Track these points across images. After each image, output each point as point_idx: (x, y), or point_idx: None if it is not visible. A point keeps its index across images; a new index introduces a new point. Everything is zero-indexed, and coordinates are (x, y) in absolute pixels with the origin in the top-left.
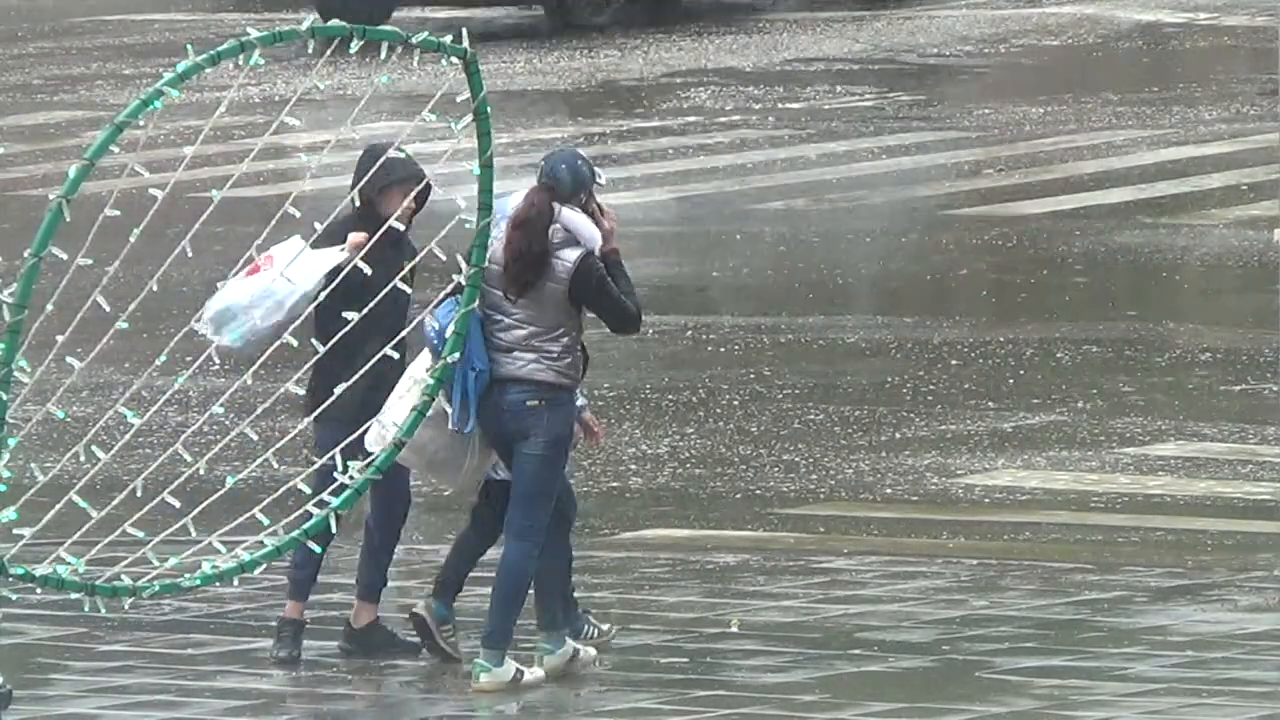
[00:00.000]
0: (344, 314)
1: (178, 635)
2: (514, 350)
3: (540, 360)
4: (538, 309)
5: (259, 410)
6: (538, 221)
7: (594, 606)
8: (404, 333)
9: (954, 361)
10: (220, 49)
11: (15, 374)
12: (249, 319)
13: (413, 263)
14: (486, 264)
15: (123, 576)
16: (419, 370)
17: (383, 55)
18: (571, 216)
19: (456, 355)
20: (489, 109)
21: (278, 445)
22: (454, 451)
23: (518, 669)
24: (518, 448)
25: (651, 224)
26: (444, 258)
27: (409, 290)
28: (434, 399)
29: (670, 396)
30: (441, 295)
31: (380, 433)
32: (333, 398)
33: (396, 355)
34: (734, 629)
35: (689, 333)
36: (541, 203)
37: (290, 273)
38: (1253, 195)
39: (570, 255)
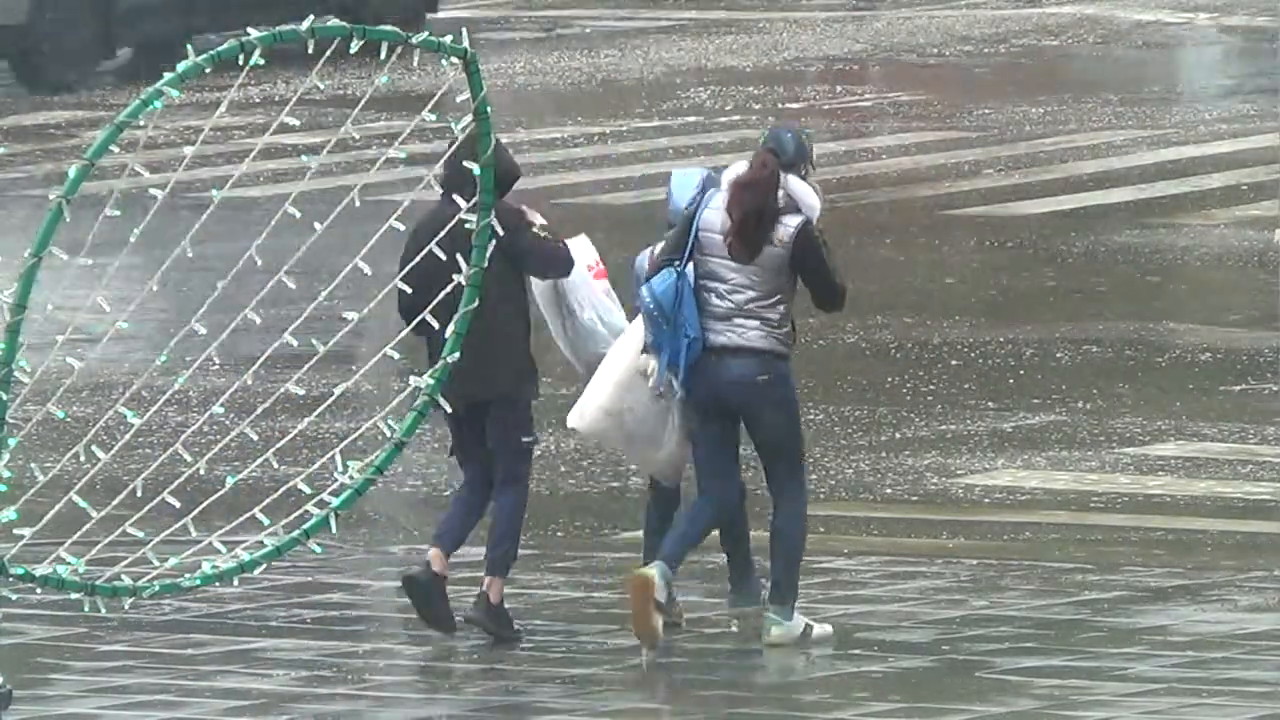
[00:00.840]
0: (344, 315)
1: (178, 635)
2: (733, 318)
3: (762, 328)
4: (758, 275)
5: (259, 410)
6: (766, 182)
7: (594, 607)
8: (404, 332)
9: (954, 361)
10: (220, 49)
11: (15, 374)
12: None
13: (412, 263)
14: (702, 232)
15: (123, 576)
16: (632, 345)
17: (383, 55)
18: (795, 182)
19: (456, 355)
20: (489, 109)
21: (278, 445)
22: (653, 425)
23: (807, 623)
24: (751, 423)
25: (651, 224)
26: (444, 257)
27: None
28: (434, 399)
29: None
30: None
31: (581, 410)
32: (334, 396)
33: (397, 355)
34: (734, 629)
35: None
36: (769, 164)
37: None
38: (1253, 195)
39: (792, 221)
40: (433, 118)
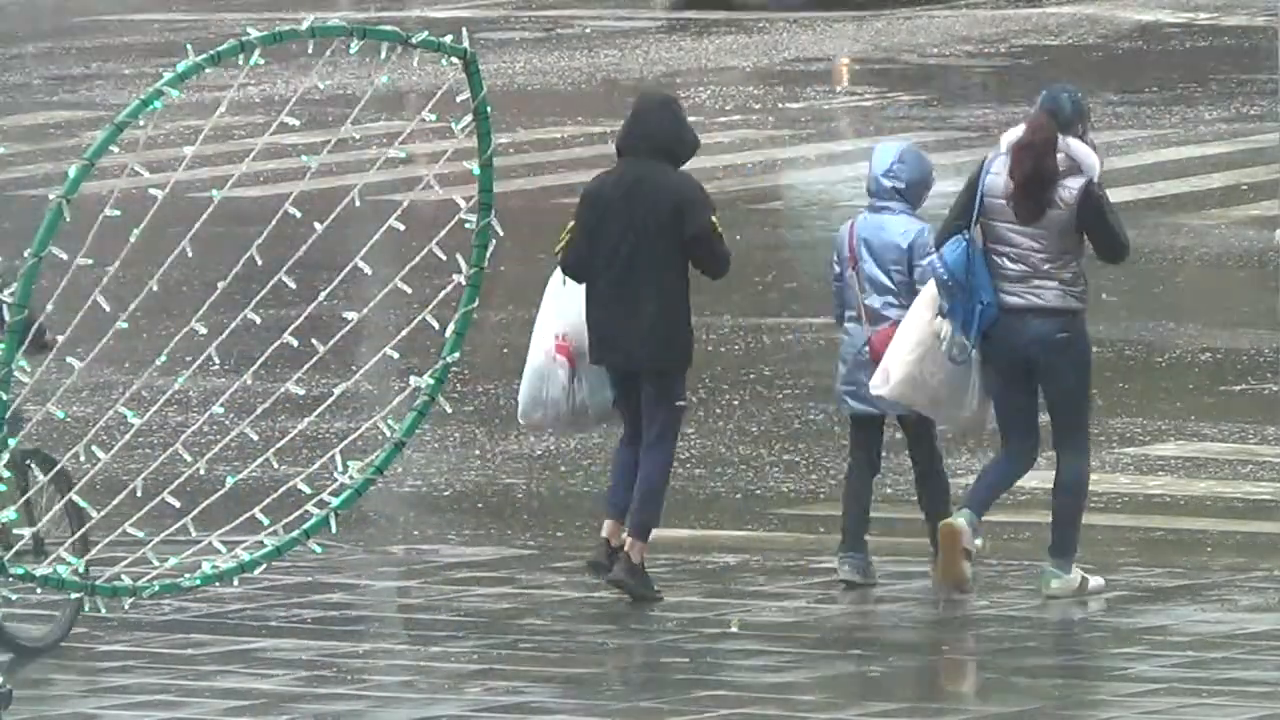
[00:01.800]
0: (344, 315)
1: (178, 635)
2: (1029, 279)
3: (1059, 288)
4: (1045, 236)
5: (259, 410)
6: (1044, 144)
7: (594, 607)
8: (404, 332)
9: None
10: (220, 49)
11: (15, 374)
12: None
13: (412, 263)
14: (986, 197)
15: (123, 576)
16: (925, 312)
17: (383, 55)
18: (1074, 144)
19: (455, 355)
20: (489, 109)
21: (278, 445)
22: (954, 387)
23: (1083, 576)
24: (1047, 377)
25: None
26: (444, 258)
27: None
28: (434, 399)
29: None
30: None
31: (885, 376)
32: (332, 397)
33: (396, 355)
34: (734, 629)
35: None
36: (1047, 126)
37: None
38: (1253, 195)
39: (1074, 183)
40: (433, 118)
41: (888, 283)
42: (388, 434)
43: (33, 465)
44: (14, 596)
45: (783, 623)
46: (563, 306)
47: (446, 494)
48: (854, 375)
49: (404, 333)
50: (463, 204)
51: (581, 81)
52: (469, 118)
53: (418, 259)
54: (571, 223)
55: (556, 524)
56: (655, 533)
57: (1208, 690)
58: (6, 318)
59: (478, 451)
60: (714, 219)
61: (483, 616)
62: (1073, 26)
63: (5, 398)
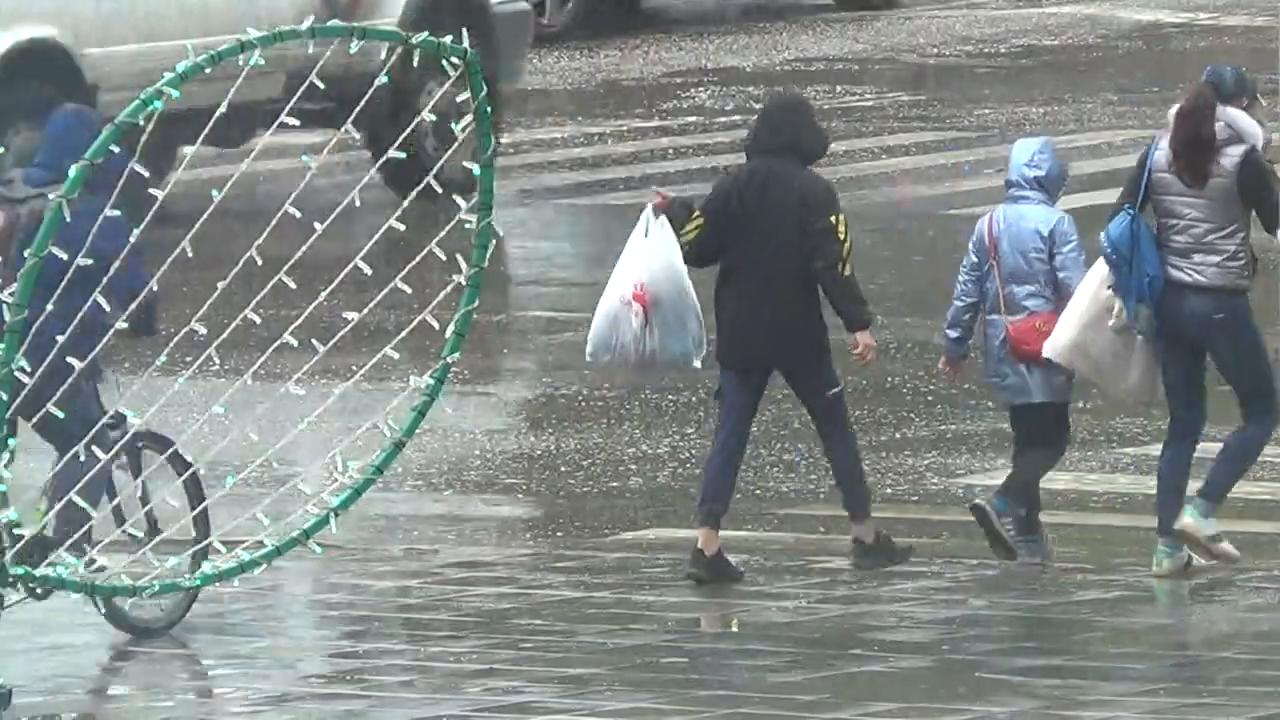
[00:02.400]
0: (344, 314)
1: (178, 635)
2: (1192, 253)
3: (1220, 264)
4: (1209, 206)
5: (259, 410)
6: (1201, 110)
7: (594, 607)
8: (404, 332)
9: None
10: (220, 49)
11: (15, 374)
12: None
13: (412, 263)
14: (1154, 174)
15: (123, 576)
16: (1096, 283)
17: (383, 55)
18: (1235, 113)
19: (456, 355)
20: (489, 109)
21: (278, 445)
22: (1118, 355)
23: (1218, 531)
24: (1213, 352)
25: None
26: (444, 258)
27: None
28: (434, 399)
29: (670, 396)
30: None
31: (1054, 343)
32: (334, 396)
33: (396, 355)
34: (734, 629)
35: None
36: (1206, 94)
37: None
38: None
39: (1236, 151)
40: (433, 118)
41: (1028, 271)
42: (388, 434)
43: (146, 448)
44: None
45: (783, 623)
46: (646, 257)
47: (446, 494)
48: (998, 367)
49: (404, 332)
50: (463, 204)
51: (581, 81)
52: (469, 118)
53: (418, 259)
54: (697, 214)
55: (556, 524)
56: (655, 532)
57: (1208, 690)
58: (7, 318)
59: (478, 451)
60: (837, 218)
61: (483, 616)
62: (1073, 26)
63: (5, 398)
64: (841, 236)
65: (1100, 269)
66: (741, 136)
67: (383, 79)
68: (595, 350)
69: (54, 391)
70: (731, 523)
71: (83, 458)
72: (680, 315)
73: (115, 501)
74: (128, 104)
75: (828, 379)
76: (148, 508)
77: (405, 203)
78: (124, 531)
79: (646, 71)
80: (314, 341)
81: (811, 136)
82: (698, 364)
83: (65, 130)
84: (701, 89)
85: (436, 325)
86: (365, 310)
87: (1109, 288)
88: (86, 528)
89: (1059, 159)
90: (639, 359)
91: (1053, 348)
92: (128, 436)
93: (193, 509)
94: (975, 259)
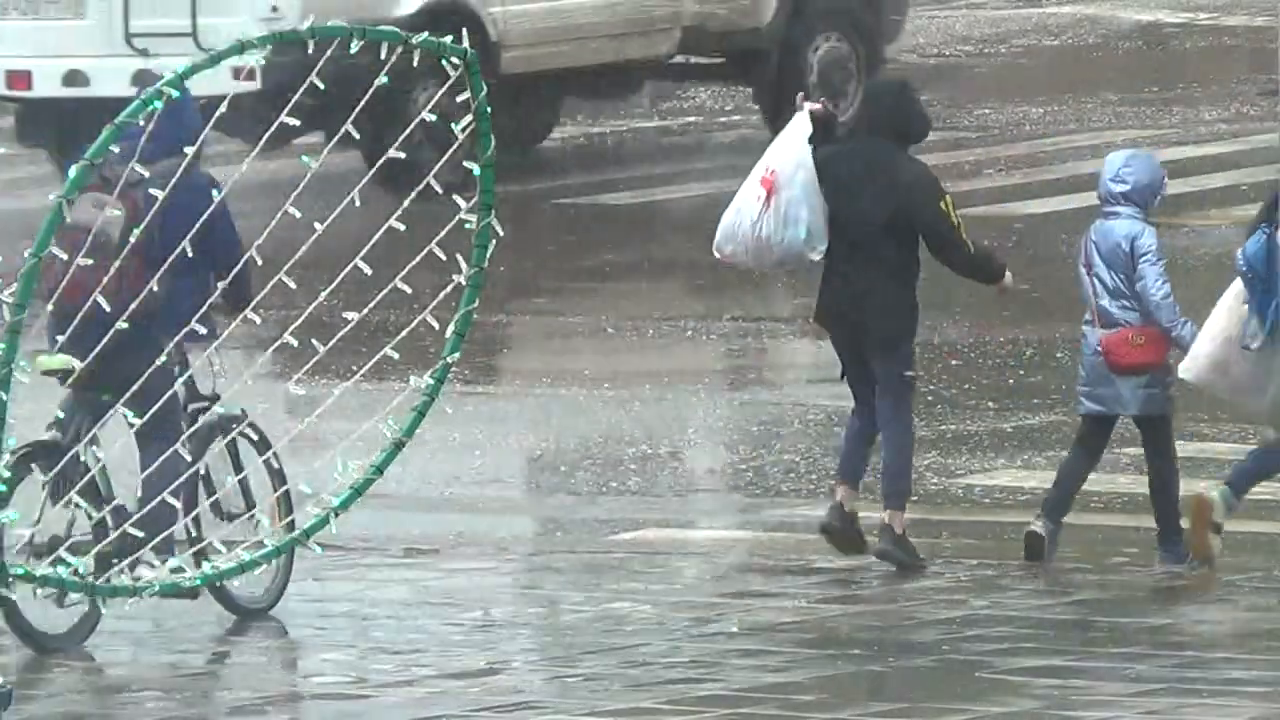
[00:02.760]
0: (344, 314)
1: (177, 635)
2: None
3: None
4: None
5: (259, 410)
6: None
7: (594, 606)
8: (404, 333)
9: (954, 361)
10: (220, 49)
11: (15, 374)
12: None
13: (413, 263)
14: None
15: (123, 576)
16: (1235, 301)
17: (383, 55)
18: None
19: (456, 355)
20: (489, 109)
21: (278, 445)
22: (1256, 376)
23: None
24: None
25: (651, 224)
26: (444, 258)
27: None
28: (434, 399)
29: (670, 396)
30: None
31: (1192, 362)
32: (334, 396)
33: (396, 355)
34: (734, 629)
35: (689, 333)
36: None
37: None
38: (1253, 195)
39: None
40: (433, 118)
41: (1119, 286)
42: (388, 434)
43: (236, 429)
44: (14, 596)
45: (783, 623)
46: (782, 147)
47: (447, 493)
48: (1090, 377)
49: (404, 333)
50: (463, 204)
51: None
52: (469, 118)
53: (418, 259)
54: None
55: (559, 524)
56: (655, 532)
57: (1208, 690)
58: (6, 317)
59: (478, 451)
60: (943, 203)
61: (485, 617)
62: (1073, 26)
63: (5, 398)
64: (953, 221)
65: (1236, 285)
66: (741, 136)
67: (383, 79)
68: (720, 241)
69: (143, 370)
70: (731, 523)
71: (183, 455)
72: (799, 206)
73: (212, 497)
74: (531, 62)
75: (905, 362)
76: (220, 492)
77: (405, 203)
78: (219, 510)
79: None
80: (314, 341)
81: (914, 120)
82: (814, 257)
83: (171, 105)
84: (701, 89)
85: (436, 325)
86: (365, 310)
87: (1244, 304)
88: (170, 530)
89: (1154, 166)
90: (755, 244)
91: (1190, 367)
92: (212, 419)
93: (275, 490)
94: (1079, 271)
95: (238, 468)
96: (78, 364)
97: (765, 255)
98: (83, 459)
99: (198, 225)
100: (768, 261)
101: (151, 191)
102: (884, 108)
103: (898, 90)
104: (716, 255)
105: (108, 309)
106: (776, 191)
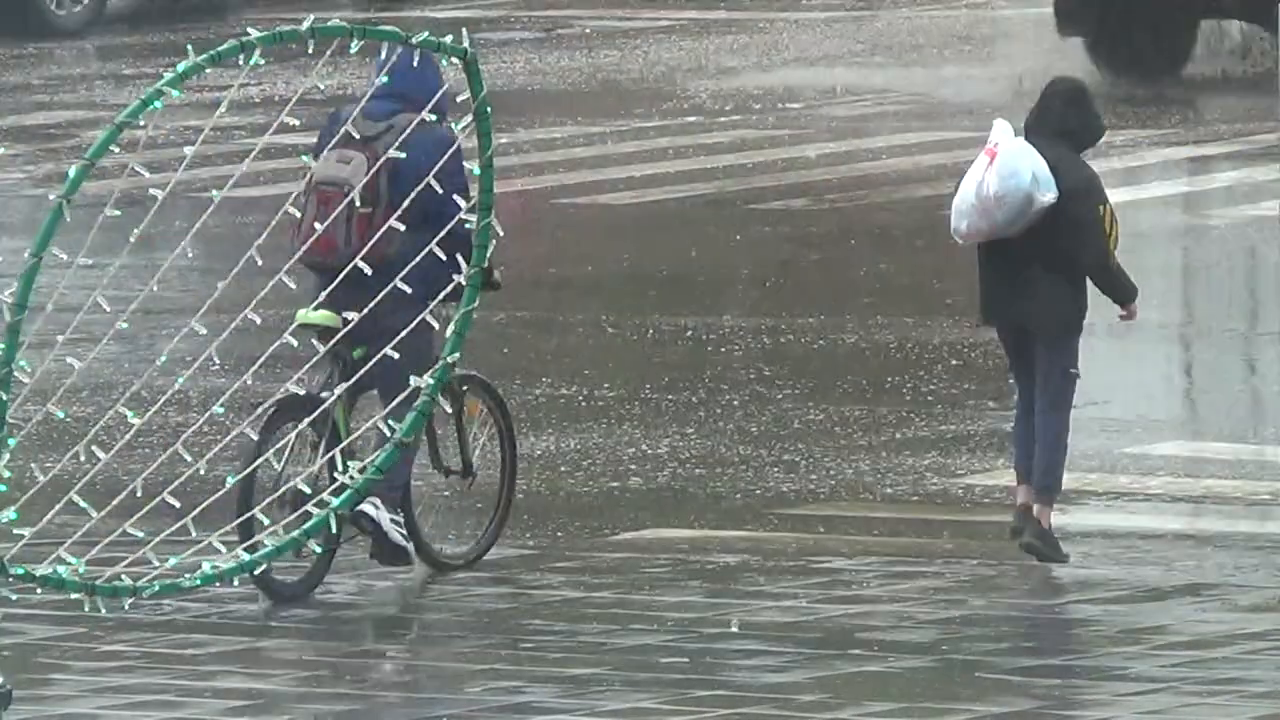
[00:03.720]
0: (344, 314)
1: (178, 635)
2: None
3: None
4: None
5: (259, 410)
6: None
7: (594, 607)
8: (403, 333)
9: (954, 361)
10: (220, 49)
11: (15, 374)
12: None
13: (413, 263)
14: None
15: (123, 576)
16: None
17: (383, 55)
18: None
19: (456, 355)
20: (489, 109)
21: (277, 445)
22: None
23: None
24: None
25: (651, 224)
26: (444, 257)
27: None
28: (434, 400)
29: (670, 396)
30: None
31: None
32: (334, 396)
33: (396, 355)
34: (734, 629)
35: (689, 333)
36: None
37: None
38: (1253, 195)
39: None
40: (433, 118)
41: None
42: (388, 434)
43: (469, 390)
44: (14, 596)
45: (783, 623)
46: (1002, 128)
47: (447, 494)
48: None
49: (404, 333)
50: (463, 204)
51: (581, 81)
52: (469, 118)
53: (418, 259)
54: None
55: (556, 524)
56: (655, 532)
57: (1208, 690)
58: (6, 317)
59: (477, 452)
60: (1101, 208)
61: (483, 616)
62: None
63: (5, 398)
64: (1107, 228)
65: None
66: (741, 136)
67: (383, 79)
68: (954, 222)
69: (397, 330)
70: (731, 523)
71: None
72: (1021, 157)
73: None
74: None
75: (1068, 357)
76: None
77: (405, 203)
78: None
79: (646, 72)
80: (314, 341)
81: (1087, 124)
82: (1044, 199)
83: (410, 62)
84: (701, 89)
85: (436, 325)
86: (365, 310)
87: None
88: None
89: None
90: (981, 204)
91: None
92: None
93: (502, 461)
94: None
95: (461, 427)
96: (338, 320)
97: (993, 212)
98: (332, 416)
99: (430, 176)
100: (998, 218)
101: (391, 152)
102: (1056, 110)
103: (1072, 93)
104: (956, 239)
105: (368, 271)
106: (999, 153)
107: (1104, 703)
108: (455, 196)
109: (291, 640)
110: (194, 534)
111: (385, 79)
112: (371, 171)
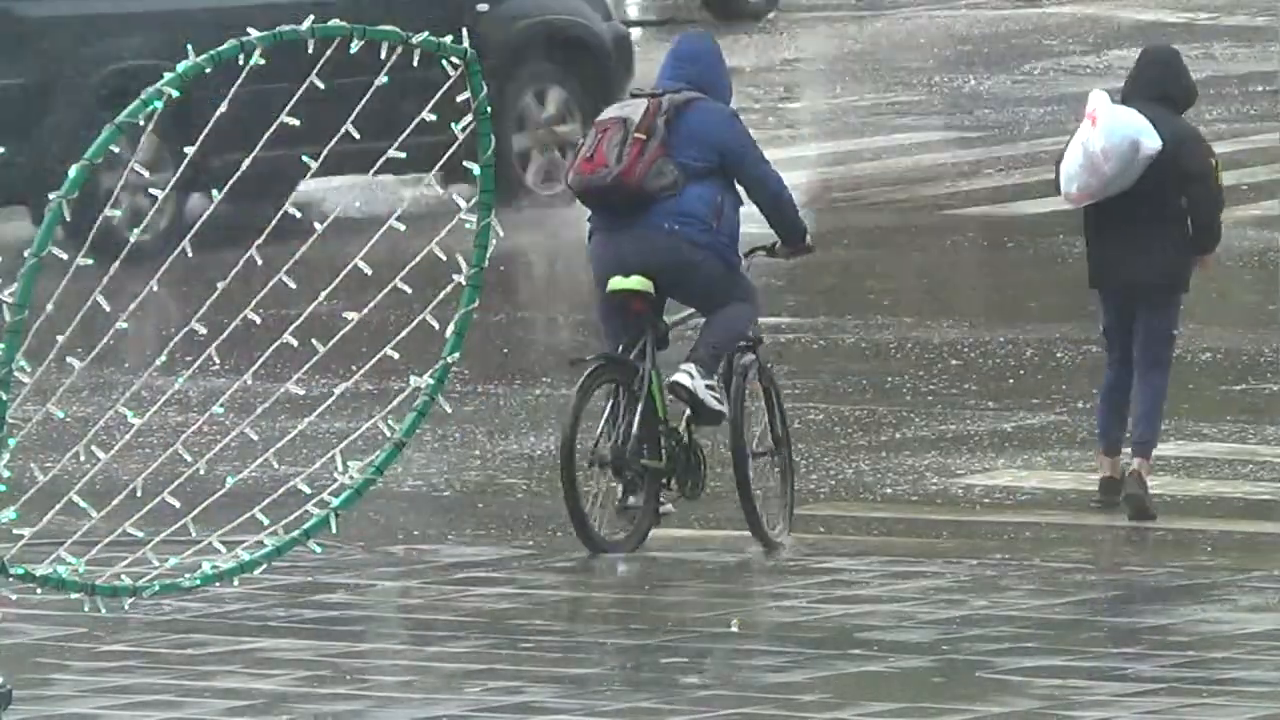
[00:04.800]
0: (345, 314)
1: (178, 635)
2: None
3: None
4: None
5: (259, 410)
6: None
7: (594, 607)
8: (403, 333)
9: (954, 361)
10: (220, 49)
11: (15, 374)
12: None
13: (413, 263)
14: None
15: (123, 576)
16: None
17: (383, 55)
18: None
19: (456, 355)
20: (489, 109)
21: (278, 445)
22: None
23: None
24: None
25: None
26: (444, 257)
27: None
28: (434, 400)
29: (669, 396)
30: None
31: None
32: (334, 396)
33: (396, 355)
34: (734, 629)
35: (689, 333)
36: None
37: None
38: (1253, 195)
39: None
40: (433, 118)
41: None
42: (388, 434)
43: (753, 376)
44: (14, 596)
45: (783, 623)
46: (1099, 96)
47: (446, 494)
48: None
49: (403, 333)
50: (463, 204)
51: None
52: (469, 118)
53: (418, 258)
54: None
55: (556, 524)
56: (655, 532)
57: (1208, 690)
58: (7, 318)
59: (477, 451)
60: (1214, 160)
61: (483, 616)
62: (1073, 26)
63: (5, 398)
64: (1217, 179)
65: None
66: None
67: (383, 79)
68: (1064, 185)
69: (713, 292)
70: (732, 523)
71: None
72: (1123, 115)
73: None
74: None
75: (1172, 318)
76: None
77: (405, 203)
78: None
79: (647, 72)
80: (314, 341)
81: (1184, 86)
82: (1152, 146)
83: (688, 49)
84: None
85: (436, 325)
86: (365, 310)
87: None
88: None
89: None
90: (1088, 161)
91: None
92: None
93: (773, 426)
94: None
95: (773, 408)
96: (649, 285)
97: (1101, 166)
98: (647, 382)
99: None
100: (1107, 171)
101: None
102: (1152, 76)
103: (1169, 57)
104: (1066, 203)
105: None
106: (1099, 115)
107: (1104, 703)
108: (764, 166)
109: (291, 640)
110: (194, 534)
111: (676, 64)
112: (652, 112)
